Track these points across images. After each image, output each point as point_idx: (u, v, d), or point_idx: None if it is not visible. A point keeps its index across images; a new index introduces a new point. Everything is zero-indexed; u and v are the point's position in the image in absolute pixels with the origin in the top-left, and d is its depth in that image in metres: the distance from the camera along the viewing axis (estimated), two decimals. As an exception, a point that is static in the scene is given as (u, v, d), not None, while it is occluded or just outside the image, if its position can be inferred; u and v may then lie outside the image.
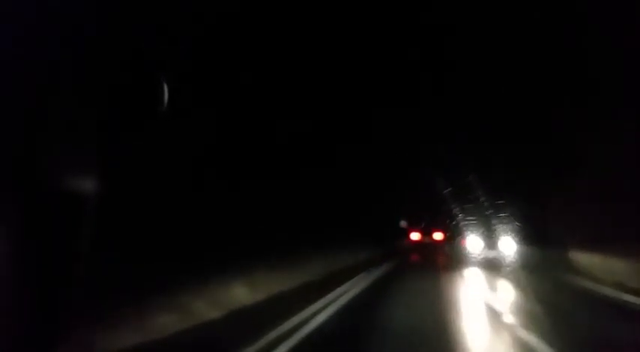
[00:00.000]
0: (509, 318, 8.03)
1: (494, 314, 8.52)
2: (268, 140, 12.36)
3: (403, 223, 30.15)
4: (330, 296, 9.60)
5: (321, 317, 7.46)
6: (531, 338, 6.22)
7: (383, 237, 27.30)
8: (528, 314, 8.67)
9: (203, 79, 9.14)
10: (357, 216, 22.00)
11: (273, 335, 5.87)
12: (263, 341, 5.56)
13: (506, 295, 11.93)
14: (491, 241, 17.78)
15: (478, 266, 17.21)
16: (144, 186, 7.57)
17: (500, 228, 18.08)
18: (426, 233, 25.62)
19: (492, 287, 12.66)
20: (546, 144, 19.30)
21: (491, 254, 17.50)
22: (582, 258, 15.43)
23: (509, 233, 17.71)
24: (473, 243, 18.51)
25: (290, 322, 6.77)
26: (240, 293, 8.21)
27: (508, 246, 17.49)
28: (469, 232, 18.76)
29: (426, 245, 24.69)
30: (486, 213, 18.84)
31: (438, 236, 25.22)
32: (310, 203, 15.17)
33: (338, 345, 5.81)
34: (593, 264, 14.19)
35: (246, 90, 11.19)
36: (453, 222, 22.80)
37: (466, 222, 19.87)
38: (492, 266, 16.12)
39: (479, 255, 17.85)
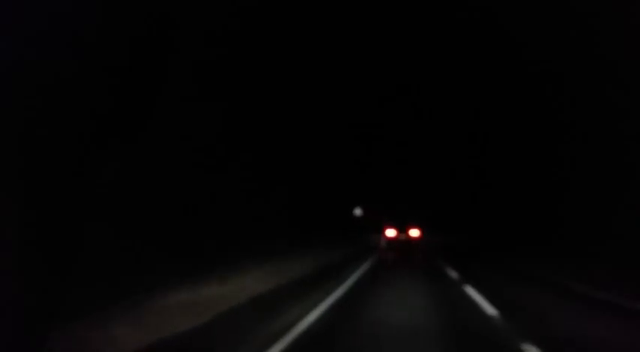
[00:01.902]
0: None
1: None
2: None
3: (358, 211, 27.74)
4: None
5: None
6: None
7: (347, 236, 25.18)
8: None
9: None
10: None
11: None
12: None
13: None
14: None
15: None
16: (148, 184, 7.59)
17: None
18: (402, 229, 25.15)
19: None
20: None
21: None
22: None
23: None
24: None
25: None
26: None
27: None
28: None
29: (404, 243, 24.34)
30: None
31: (414, 232, 24.85)
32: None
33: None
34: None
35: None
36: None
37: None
38: None
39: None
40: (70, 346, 4.73)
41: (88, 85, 5.27)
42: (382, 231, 24.95)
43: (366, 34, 18.46)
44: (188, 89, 9.21)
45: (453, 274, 13.26)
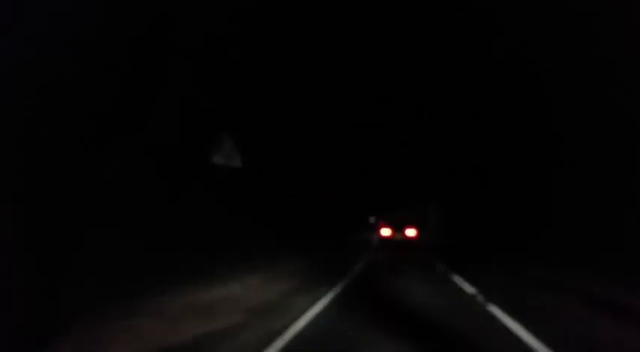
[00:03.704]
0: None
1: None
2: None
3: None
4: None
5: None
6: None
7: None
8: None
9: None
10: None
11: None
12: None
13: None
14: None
15: None
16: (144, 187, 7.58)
17: None
18: (398, 229, 23.77)
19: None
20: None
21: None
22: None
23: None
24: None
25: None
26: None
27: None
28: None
29: (399, 243, 22.94)
30: None
31: (411, 232, 23.55)
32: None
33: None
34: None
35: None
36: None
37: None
38: None
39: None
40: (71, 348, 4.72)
41: (88, 84, 5.28)
42: (376, 230, 24.05)
43: (365, 33, 18.50)
44: (188, 89, 9.21)
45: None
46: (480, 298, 8.53)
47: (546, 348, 5.26)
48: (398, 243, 22.52)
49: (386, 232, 23.20)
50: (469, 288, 9.86)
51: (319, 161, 24.35)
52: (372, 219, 28.02)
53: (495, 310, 7.33)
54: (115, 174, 6.21)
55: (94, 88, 5.44)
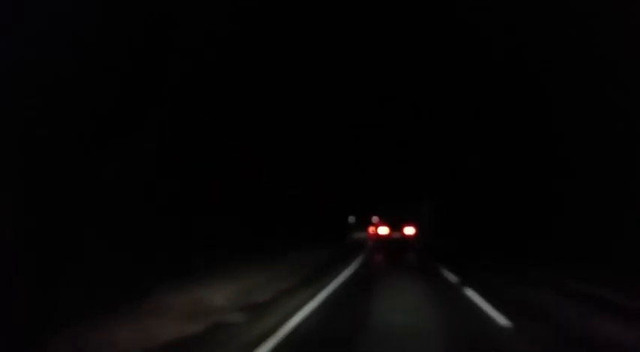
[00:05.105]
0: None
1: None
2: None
3: None
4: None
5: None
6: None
7: None
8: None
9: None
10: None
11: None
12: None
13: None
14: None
15: None
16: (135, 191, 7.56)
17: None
18: (396, 227, 23.51)
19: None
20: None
21: None
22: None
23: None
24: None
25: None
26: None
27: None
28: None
29: (398, 242, 22.62)
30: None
31: (409, 230, 23.24)
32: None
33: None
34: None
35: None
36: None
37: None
38: None
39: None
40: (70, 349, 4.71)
41: (88, 84, 5.27)
42: (372, 229, 23.78)
43: (365, 34, 18.50)
44: (188, 89, 9.21)
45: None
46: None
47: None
48: (396, 242, 22.20)
49: (383, 230, 22.84)
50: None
51: (318, 160, 24.34)
52: (375, 219, 28.17)
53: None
54: (115, 174, 6.20)
55: (94, 87, 5.43)
